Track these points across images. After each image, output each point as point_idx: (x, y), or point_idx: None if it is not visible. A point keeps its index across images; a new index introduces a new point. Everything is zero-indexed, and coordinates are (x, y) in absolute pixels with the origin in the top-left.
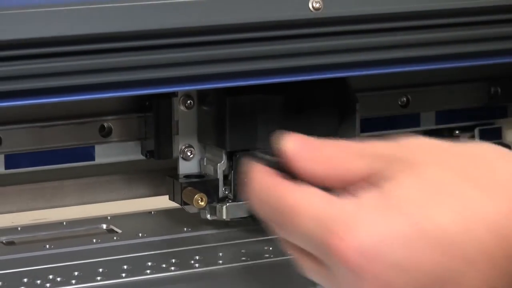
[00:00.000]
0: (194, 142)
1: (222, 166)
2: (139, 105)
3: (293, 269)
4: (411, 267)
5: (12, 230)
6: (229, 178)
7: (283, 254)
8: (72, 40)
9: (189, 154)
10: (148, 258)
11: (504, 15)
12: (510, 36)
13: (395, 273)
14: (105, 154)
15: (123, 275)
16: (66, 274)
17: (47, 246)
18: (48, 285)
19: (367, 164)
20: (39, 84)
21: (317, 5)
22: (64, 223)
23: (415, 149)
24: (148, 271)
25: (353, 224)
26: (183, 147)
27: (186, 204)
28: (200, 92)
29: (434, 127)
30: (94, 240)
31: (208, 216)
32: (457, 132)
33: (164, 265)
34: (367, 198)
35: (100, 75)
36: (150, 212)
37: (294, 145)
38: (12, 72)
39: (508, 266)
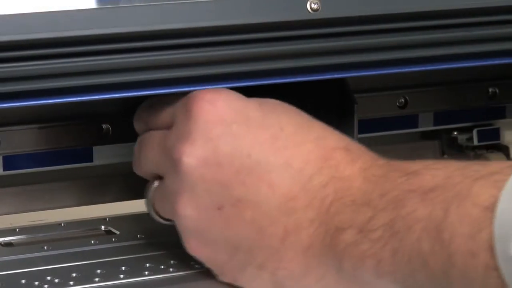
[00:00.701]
0: None
1: None
2: (137, 106)
3: None
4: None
5: (10, 231)
6: None
7: None
8: (70, 41)
9: None
10: (147, 259)
11: (502, 16)
12: (508, 37)
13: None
14: (103, 156)
15: (121, 276)
16: (64, 276)
17: (45, 247)
18: (46, 286)
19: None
20: (38, 85)
21: (315, 6)
22: (62, 224)
23: None
24: (147, 273)
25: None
26: None
27: None
28: None
29: (432, 128)
30: (93, 242)
31: None
32: (455, 133)
33: (162, 267)
34: None
35: (99, 76)
36: (148, 213)
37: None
38: (11, 74)
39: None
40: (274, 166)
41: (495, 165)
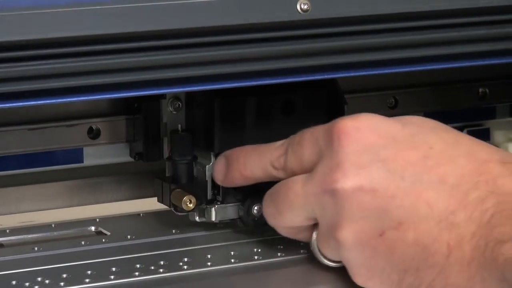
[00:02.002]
0: None
1: (210, 168)
2: (128, 107)
3: (283, 271)
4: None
5: (1, 232)
6: None
7: (273, 256)
8: (59, 42)
9: None
10: (137, 260)
11: (493, 16)
12: (498, 38)
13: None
14: (93, 156)
15: (112, 277)
16: (55, 277)
17: (36, 248)
18: (36, 287)
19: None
20: (37, 85)
21: (305, 6)
22: (53, 225)
23: None
24: (137, 273)
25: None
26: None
27: (174, 206)
28: (188, 94)
29: None
30: (83, 242)
31: (197, 218)
32: None
33: (152, 267)
34: None
35: (88, 77)
36: (138, 214)
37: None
38: (10, 74)
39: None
40: (429, 184)
41: None
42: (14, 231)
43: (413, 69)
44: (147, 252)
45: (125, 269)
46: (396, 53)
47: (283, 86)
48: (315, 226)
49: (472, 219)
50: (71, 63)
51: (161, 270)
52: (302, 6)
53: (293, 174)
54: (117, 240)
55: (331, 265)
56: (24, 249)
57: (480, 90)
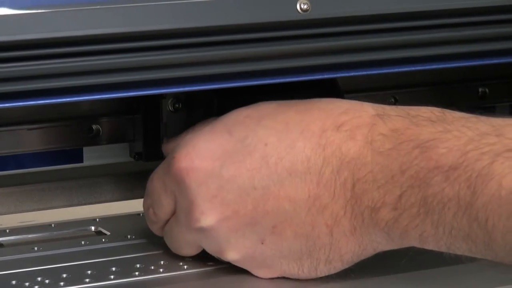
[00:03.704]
0: None
1: None
2: (128, 107)
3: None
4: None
5: (1, 232)
6: None
7: None
8: (58, 42)
9: None
10: (137, 260)
11: (492, 16)
12: (497, 37)
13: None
14: (93, 156)
15: (112, 277)
16: (55, 276)
17: (36, 248)
18: (36, 287)
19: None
20: (37, 85)
21: (305, 6)
22: (53, 225)
23: None
24: (137, 273)
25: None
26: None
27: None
28: (188, 94)
29: None
30: (83, 242)
31: None
32: None
33: (152, 267)
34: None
35: (88, 77)
36: (138, 214)
37: None
38: (10, 74)
39: None
40: (282, 181)
41: (509, 139)
42: (14, 231)
43: (413, 68)
44: (147, 251)
45: (125, 269)
46: (396, 53)
47: (283, 86)
48: None
49: (337, 195)
50: (70, 63)
51: (161, 270)
52: (302, 6)
53: (168, 219)
54: (117, 240)
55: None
56: (24, 249)
57: (480, 89)
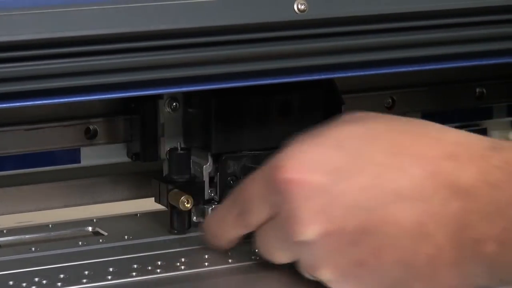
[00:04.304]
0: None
1: (208, 168)
2: (125, 107)
3: (280, 271)
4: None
5: None
6: (215, 180)
7: None
8: (56, 42)
9: None
10: (134, 260)
11: (490, 16)
12: (495, 38)
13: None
14: (91, 157)
15: (109, 277)
16: (52, 277)
17: (33, 248)
18: (34, 287)
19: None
20: (37, 85)
21: (302, 6)
22: (50, 225)
23: None
24: (134, 274)
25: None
26: (169, 149)
27: (172, 206)
28: (185, 94)
29: None
30: (80, 243)
31: (194, 218)
32: None
33: (149, 268)
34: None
35: (85, 77)
36: (136, 215)
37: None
38: (10, 74)
39: None
40: (390, 204)
41: None
42: (11, 231)
43: (410, 69)
44: (144, 252)
45: (122, 269)
46: (393, 53)
47: (280, 86)
48: None
49: (443, 225)
50: (67, 63)
51: (158, 270)
52: (299, 6)
53: (253, 225)
54: (114, 241)
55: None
56: (21, 249)
57: (478, 90)
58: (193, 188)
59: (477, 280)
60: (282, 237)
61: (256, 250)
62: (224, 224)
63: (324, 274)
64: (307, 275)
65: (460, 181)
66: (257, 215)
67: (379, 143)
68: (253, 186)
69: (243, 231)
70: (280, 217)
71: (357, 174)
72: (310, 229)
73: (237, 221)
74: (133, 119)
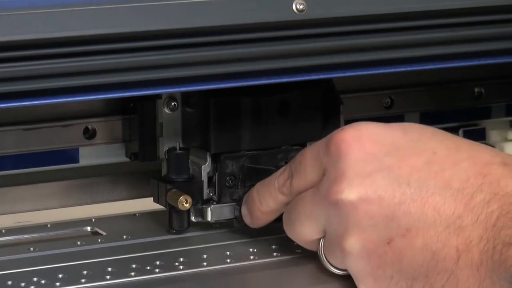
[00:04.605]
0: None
1: (206, 168)
2: (124, 107)
3: (279, 271)
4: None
5: None
6: (214, 180)
7: (268, 256)
8: (54, 42)
9: None
10: (133, 260)
11: (488, 16)
12: (493, 37)
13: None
14: (89, 156)
15: (108, 277)
16: (51, 277)
17: (31, 248)
18: (32, 287)
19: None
20: (37, 85)
21: (301, 6)
22: (49, 225)
23: None
24: (133, 273)
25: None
26: (168, 149)
27: (171, 206)
28: (184, 94)
29: None
30: (79, 243)
31: (193, 218)
32: None
33: (148, 267)
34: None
35: (84, 77)
36: (134, 214)
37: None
38: (10, 74)
39: None
40: (435, 190)
41: None
42: (10, 231)
43: (408, 69)
44: (143, 252)
45: (121, 269)
46: (391, 53)
47: (278, 86)
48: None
49: (479, 223)
50: (66, 63)
51: (157, 270)
52: (298, 6)
53: (295, 191)
54: (113, 240)
55: (338, 273)
56: (20, 249)
57: (476, 90)
58: (192, 188)
59: None
60: (319, 200)
61: (283, 226)
62: (270, 188)
63: (349, 243)
64: (327, 263)
65: (506, 186)
66: (304, 178)
67: (440, 138)
68: (311, 150)
69: (284, 199)
70: (326, 177)
71: (413, 155)
72: (352, 189)
73: (283, 186)
74: (132, 119)
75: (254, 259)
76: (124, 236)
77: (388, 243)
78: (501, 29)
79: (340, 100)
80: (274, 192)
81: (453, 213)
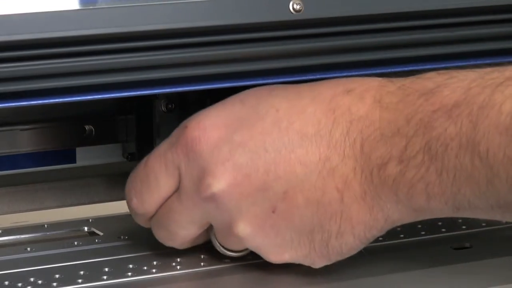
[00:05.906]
0: None
1: None
2: (121, 107)
3: (278, 271)
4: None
5: None
6: None
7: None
8: (51, 42)
9: None
10: (130, 260)
11: (487, 16)
12: (492, 37)
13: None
14: (86, 157)
15: (105, 277)
16: (47, 277)
17: (28, 248)
18: (29, 287)
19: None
20: (37, 85)
21: (298, 7)
22: (46, 225)
23: None
24: (130, 274)
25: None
26: None
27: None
28: (181, 94)
29: None
30: (76, 243)
31: None
32: None
33: (145, 268)
34: None
35: (81, 77)
36: (131, 215)
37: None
38: (10, 74)
39: None
40: (293, 144)
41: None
42: (7, 231)
43: (407, 69)
44: (140, 252)
45: (118, 269)
46: (388, 53)
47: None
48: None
49: (347, 156)
50: (63, 63)
51: (154, 270)
52: (295, 7)
53: (153, 207)
54: (110, 241)
55: (235, 256)
56: (17, 249)
57: None
58: None
59: (387, 213)
60: (192, 202)
61: (156, 236)
62: (133, 209)
63: (240, 229)
64: (224, 250)
65: (357, 111)
66: (157, 189)
67: (277, 92)
68: (155, 160)
69: (146, 215)
70: (187, 180)
71: (257, 121)
72: (219, 179)
73: (137, 205)
74: (129, 119)
75: (252, 259)
76: (121, 236)
77: (273, 212)
78: (500, 29)
79: None
80: (135, 209)
81: (319, 159)
